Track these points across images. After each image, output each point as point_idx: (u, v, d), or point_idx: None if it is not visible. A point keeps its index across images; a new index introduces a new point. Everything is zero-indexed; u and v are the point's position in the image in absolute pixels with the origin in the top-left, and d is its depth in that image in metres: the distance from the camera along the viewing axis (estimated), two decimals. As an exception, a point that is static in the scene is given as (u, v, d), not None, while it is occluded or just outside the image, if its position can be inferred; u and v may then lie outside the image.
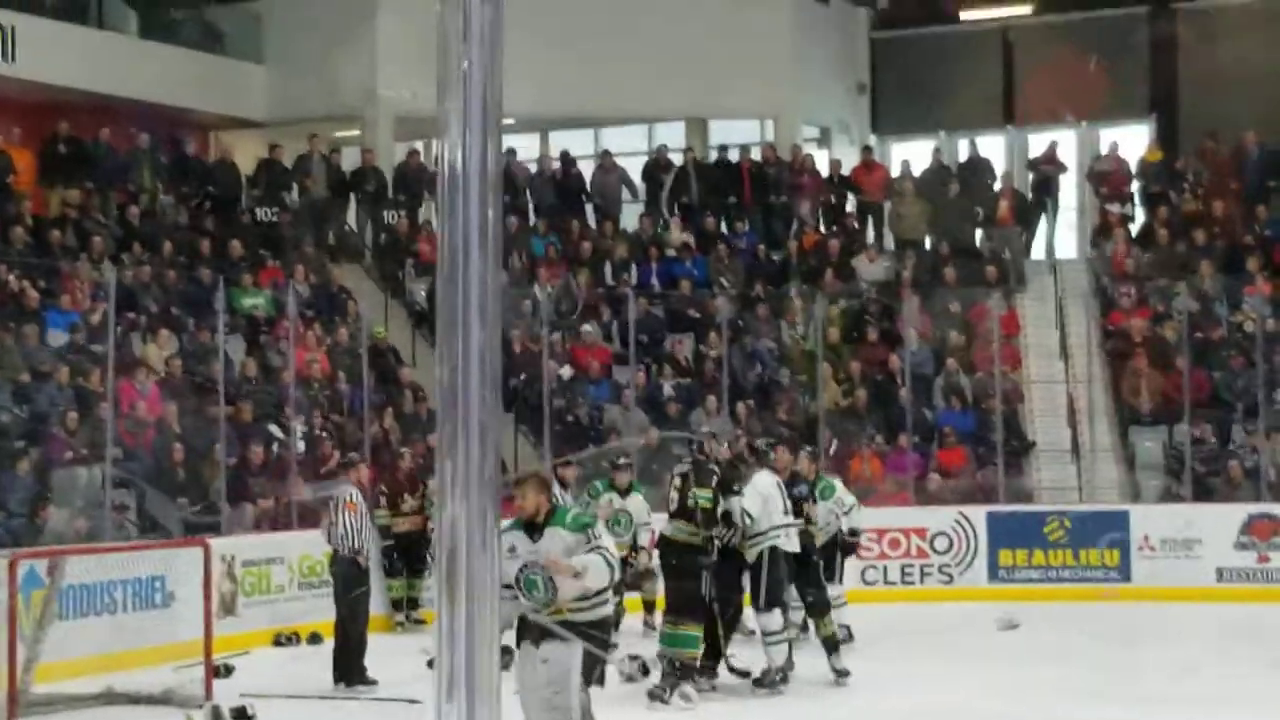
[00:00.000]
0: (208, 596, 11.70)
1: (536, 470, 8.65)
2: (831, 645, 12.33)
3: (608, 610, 8.31)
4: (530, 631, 8.03)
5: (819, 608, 12.54)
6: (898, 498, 19.27)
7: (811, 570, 12.56)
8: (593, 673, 8.02)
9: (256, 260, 20.72)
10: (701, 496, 11.87)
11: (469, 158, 2.29)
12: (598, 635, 8.11)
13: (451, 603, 2.24)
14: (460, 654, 2.25)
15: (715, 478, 11.99)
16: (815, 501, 12.94)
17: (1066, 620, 16.10)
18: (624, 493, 14.74)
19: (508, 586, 7.78)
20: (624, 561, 13.32)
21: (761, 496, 12.01)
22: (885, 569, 18.25)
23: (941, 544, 18.53)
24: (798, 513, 12.46)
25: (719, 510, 11.83)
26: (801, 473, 13.33)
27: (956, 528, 18.65)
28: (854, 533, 14.65)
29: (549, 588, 7.79)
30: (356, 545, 12.74)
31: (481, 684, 2.23)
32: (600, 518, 13.21)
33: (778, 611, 12.02)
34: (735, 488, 11.94)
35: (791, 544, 12.13)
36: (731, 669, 12.16)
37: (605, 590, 8.14)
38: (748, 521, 11.89)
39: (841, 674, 12.26)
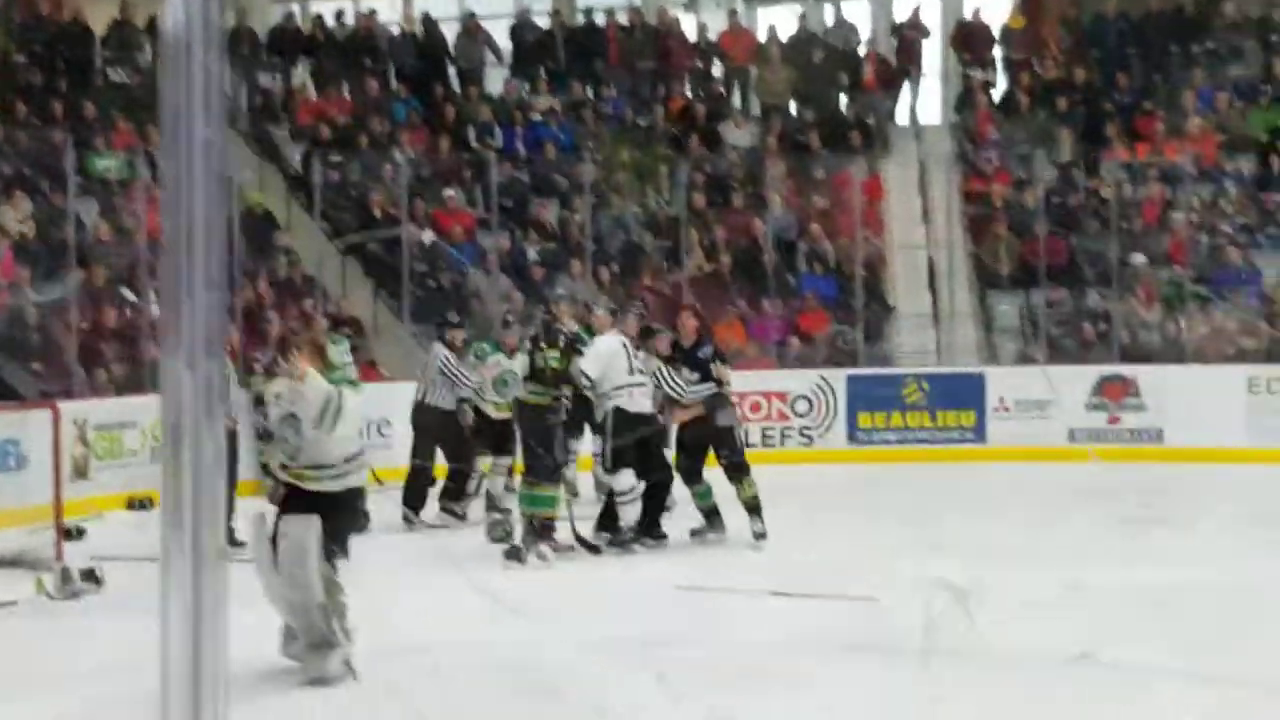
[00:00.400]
0: (57, 459, 11.57)
1: (312, 335, 8.47)
2: (752, 508, 12.23)
3: (355, 480, 8.14)
4: (276, 498, 7.98)
5: (736, 470, 12.30)
6: (760, 362, 19.42)
7: (724, 433, 12.40)
8: (336, 545, 7.86)
9: (110, 122, 20.36)
10: (550, 357, 12.02)
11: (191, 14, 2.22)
12: (345, 506, 8.02)
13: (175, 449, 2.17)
14: (186, 531, 2.20)
15: (563, 339, 12.09)
16: (725, 361, 12.79)
17: (923, 481, 16.36)
18: (511, 354, 14.58)
19: (267, 435, 7.88)
20: (505, 423, 13.46)
21: (603, 358, 12.07)
22: (746, 432, 18.41)
23: (802, 407, 18.73)
24: (705, 375, 12.40)
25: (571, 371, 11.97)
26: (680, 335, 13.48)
27: (817, 391, 18.85)
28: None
29: (297, 433, 7.75)
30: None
31: (208, 555, 2.19)
32: (487, 379, 13.31)
33: (626, 471, 12.10)
34: (580, 349, 12.13)
35: (636, 404, 12.15)
36: (579, 538, 12.17)
37: (355, 459, 8.07)
38: (584, 383, 12.00)
39: (759, 536, 12.19)
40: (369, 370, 18.46)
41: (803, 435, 18.58)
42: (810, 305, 20.19)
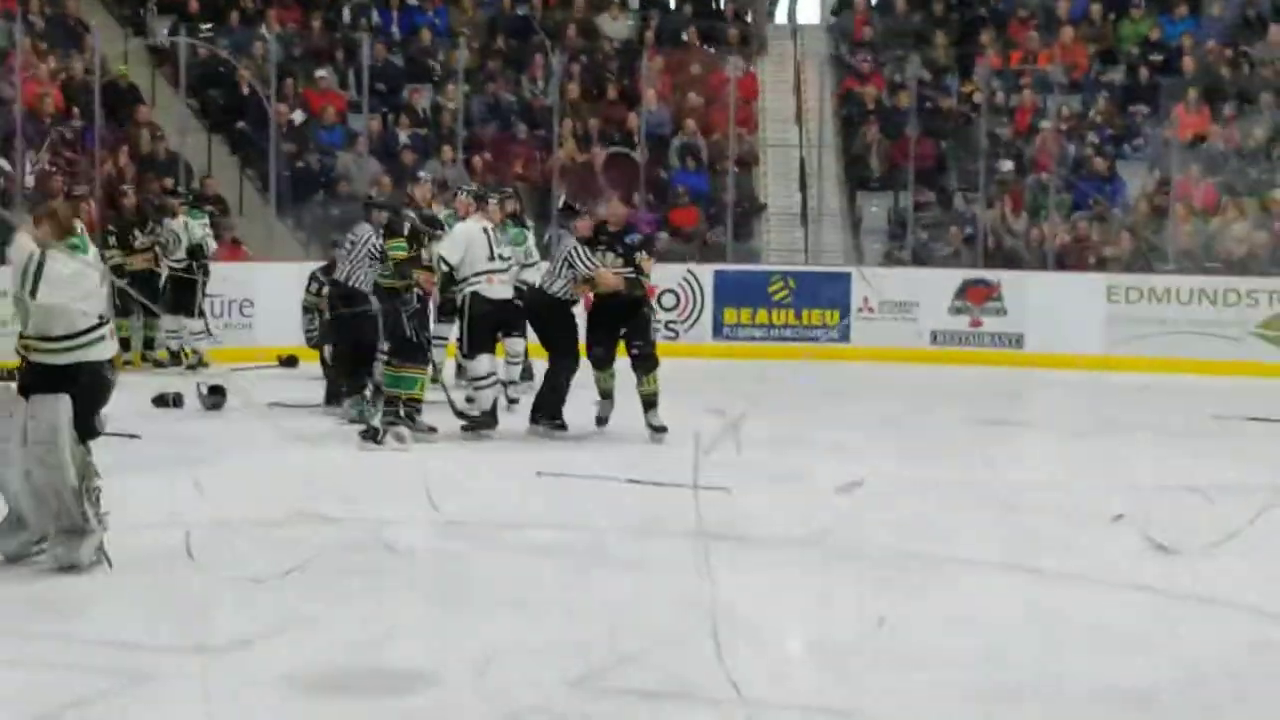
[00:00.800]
0: None
1: (53, 206, 8.00)
2: (650, 402, 12.04)
3: (93, 354, 7.59)
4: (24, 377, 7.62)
5: (646, 361, 12.04)
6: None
7: (641, 323, 12.18)
8: (85, 425, 7.53)
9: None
10: (393, 246, 12.03)
11: None
12: (87, 381, 7.57)
13: None
14: None
15: (409, 226, 12.02)
16: (650, 253, 12.46)
17: (785, 376, 16.45)
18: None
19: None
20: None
21: (461, 243, 12.05)
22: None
23: (669, 301, 18.79)
24: (629, 261, 12.11)
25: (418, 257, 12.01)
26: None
27: (684, 285, 18.94)
28: None
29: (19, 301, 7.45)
30: None
31: None
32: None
33: (484, 357, 12.13)
34: (437, 234, 12.11)
35: (495, 290, 12.14)
36: (456, 413, 12.22)
37: (89, 332, 7.55)
38: (443, 268, 11.99)
39: (658, 430, 11.99)
40: (234, 249, 18.30)
41: (669, 329, 18.63)
42: (681, 200, 20.21)
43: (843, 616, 7.00)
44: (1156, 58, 21.41)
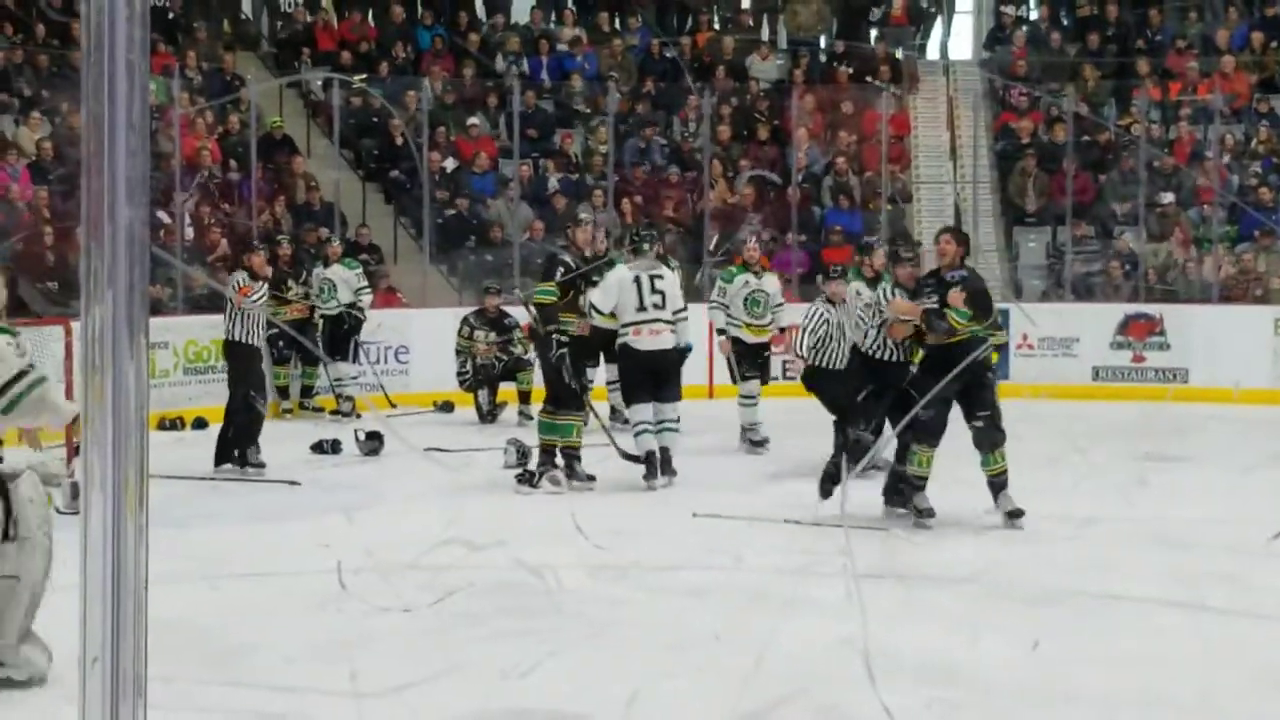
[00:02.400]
0: (67, 374, 11.55)
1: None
2: (999, 484, 10.19)
3: None
4: None
5: (988, 434, 10.23)
6: (784, 295, 19.24)
7: (980, 386, 10.19)
8: None
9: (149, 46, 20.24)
10: (541, 291, 11.89)
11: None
12: None
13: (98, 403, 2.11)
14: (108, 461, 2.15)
15: (560, 270, 11.85)
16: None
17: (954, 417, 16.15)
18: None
19: None
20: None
21: (614, 290, 11.91)
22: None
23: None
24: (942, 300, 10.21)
25: (575, 301, 11.85)
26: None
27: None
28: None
29: None
30: (250, 330, 12.82)
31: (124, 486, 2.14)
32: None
33: (637, 407, 11.96)
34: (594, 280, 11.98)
35: (644, 342, 11.95)
36: (620, 452, 12.09)
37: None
38: (594, 317, 11.87)
39: (1014, 515, 10.12)
40: (389, 297, 18.44)
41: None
42: (835, 239, 20.04)
43: (999, 652, 6.80)
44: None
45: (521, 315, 16.71)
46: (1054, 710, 5.87)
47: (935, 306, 9.99)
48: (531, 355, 16.46)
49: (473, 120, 20.79)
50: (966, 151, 21.57)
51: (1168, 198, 19.83)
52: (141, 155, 2.09)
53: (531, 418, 15.54)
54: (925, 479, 10.10)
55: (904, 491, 10.30)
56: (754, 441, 13.86)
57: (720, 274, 15.10)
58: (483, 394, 16.11)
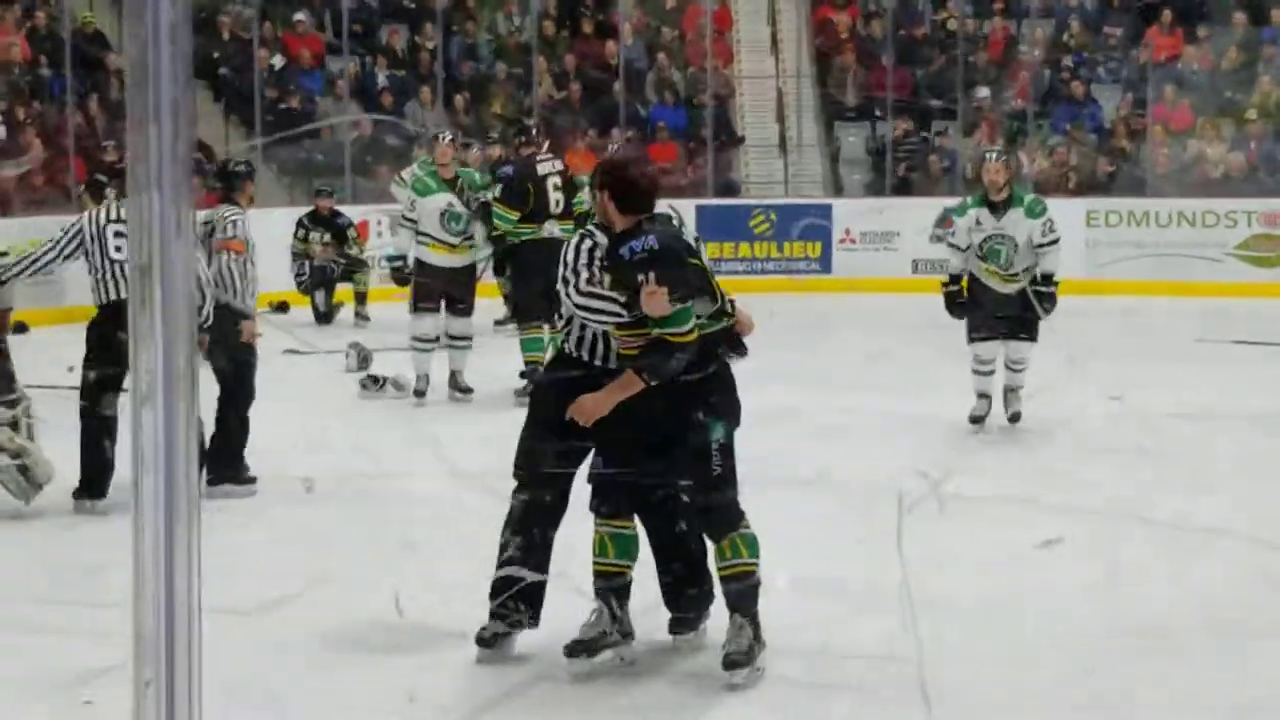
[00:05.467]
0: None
1: None
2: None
3: None
4: None
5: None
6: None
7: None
8: None
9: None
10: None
11: None
12: None
13: (147, 303, 2.18)
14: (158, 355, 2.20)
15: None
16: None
17: (769, 309, 16.53)
18: None
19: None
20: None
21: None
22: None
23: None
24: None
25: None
26: None
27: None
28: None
29: None
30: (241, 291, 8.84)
31: (179, 385, 2.19)
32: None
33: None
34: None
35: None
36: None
37: None
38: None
39: None
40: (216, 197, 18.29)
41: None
42: (660, 135, 20.28)
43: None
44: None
45: (355, 215, 16.84)
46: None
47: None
48: (367, 255, 16.60)
49: (299, 16, 20.59)
50: (787, 45, 21.87)
51: (982, 93, 20.33)
52: (185, 120, 2.14)
53: (368, 319, 15.72)
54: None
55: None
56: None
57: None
58: (319, 295, 16.16)
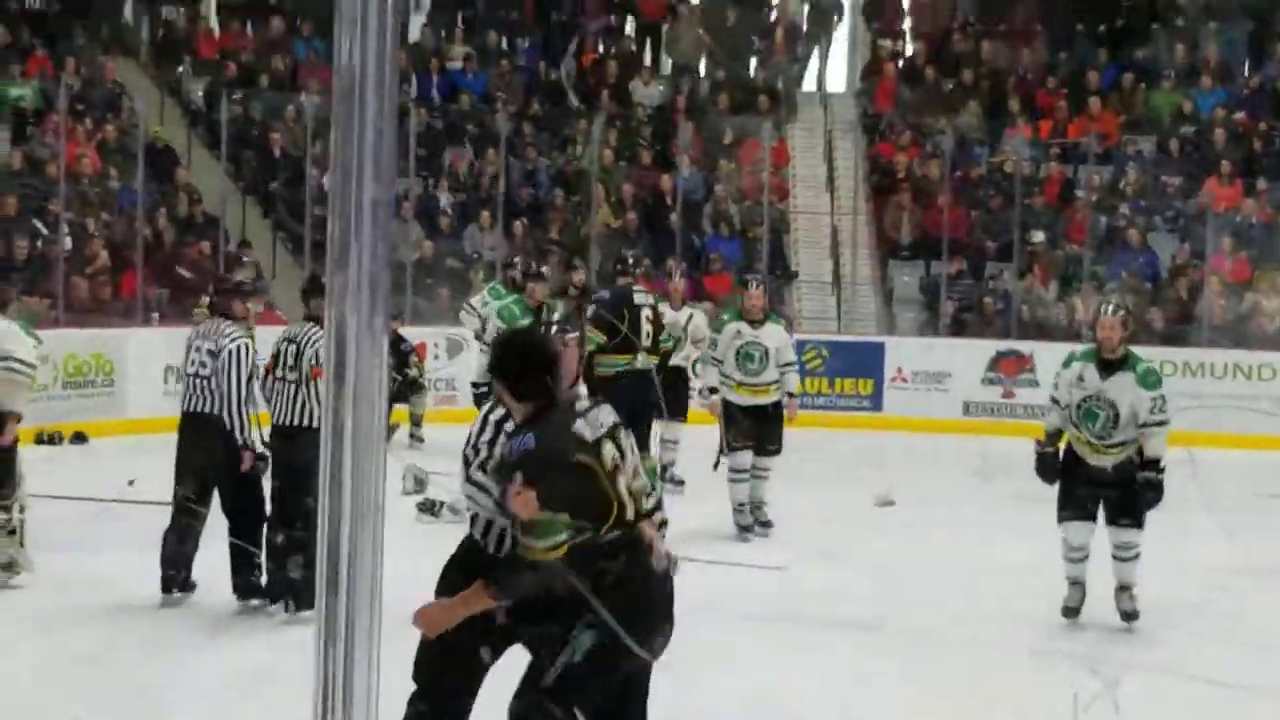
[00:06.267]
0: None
1: None
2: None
3: None
4: None
5: None
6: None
7: None
8: None
9: (23, 50, 20.10)
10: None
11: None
12: None
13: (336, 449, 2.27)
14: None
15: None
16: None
17: (821, 446, 16.50)
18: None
19: None
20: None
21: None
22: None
23: (704, 369, 18.88)
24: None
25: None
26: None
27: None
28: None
29: None
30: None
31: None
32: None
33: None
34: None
35: None
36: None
37: None
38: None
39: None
40: (267, 314, 18.42)
41: (702, 397, 18.69)
42: (714, 267, 20.37)
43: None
44: (1188, 129, 21.52)
45: (414, 337, 16.92)
46: None
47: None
48: (425, 378, 16.69)
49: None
50: (843, 183, 22.00)
51: (1038, 236, 20.37)
52: (382, 294, 2.24)
53: (423, 440, 15.76)
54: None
55: None
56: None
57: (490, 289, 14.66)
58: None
